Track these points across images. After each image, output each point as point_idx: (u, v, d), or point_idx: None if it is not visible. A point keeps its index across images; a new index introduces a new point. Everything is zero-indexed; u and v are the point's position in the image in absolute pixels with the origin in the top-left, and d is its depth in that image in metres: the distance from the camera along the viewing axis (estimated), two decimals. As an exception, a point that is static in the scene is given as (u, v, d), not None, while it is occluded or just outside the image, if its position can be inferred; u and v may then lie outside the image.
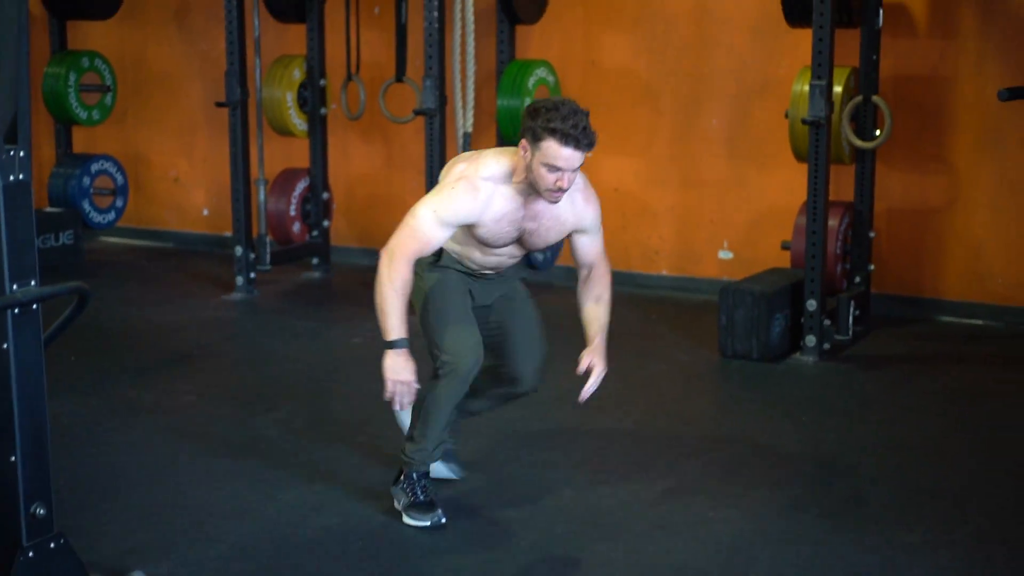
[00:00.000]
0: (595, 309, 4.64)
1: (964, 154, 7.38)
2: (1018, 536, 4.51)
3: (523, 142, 4.18)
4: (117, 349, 6.96)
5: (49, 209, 9.06)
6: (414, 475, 4.60)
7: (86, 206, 9.17)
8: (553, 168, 4.11)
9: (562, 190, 4.17)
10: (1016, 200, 7.29)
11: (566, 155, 4.10)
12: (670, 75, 8.06)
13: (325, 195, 8.63)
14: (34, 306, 3.76)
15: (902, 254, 7.59)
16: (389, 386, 4.36)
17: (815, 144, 6.56)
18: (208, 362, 6.70)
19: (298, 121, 8.46)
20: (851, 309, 6.92)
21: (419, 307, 4.55)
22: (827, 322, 6.71)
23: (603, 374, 4.56)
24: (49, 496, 3.82)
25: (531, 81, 7.83)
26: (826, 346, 6.70)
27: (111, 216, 9.40)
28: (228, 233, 8.76)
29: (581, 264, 4.62)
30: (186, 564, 4.27)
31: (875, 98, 7.00)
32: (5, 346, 3.71)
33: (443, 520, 4.55)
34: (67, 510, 4.39)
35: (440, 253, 4.51)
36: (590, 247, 4.58)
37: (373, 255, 8.85)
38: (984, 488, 4.94)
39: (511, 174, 4.27)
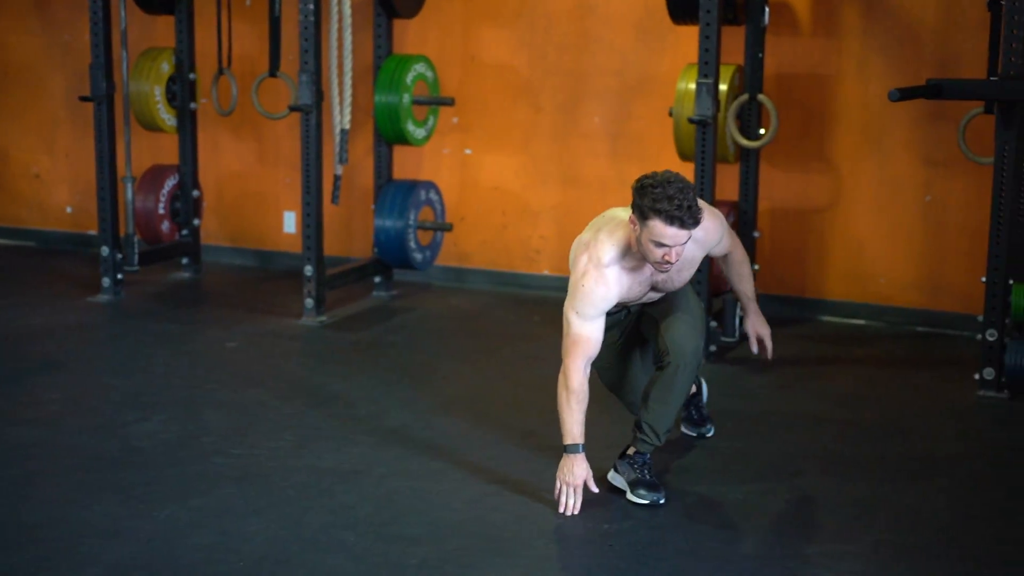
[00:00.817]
0: (740, 284, 5.14)
1: (847, 154, 7.35)
2: (919, 544, 4.43)
3: (632, 217, 4.41)
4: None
5: (-98, 207, 8.65)
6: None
7: (-59, 203, 8.77)
8: (660, 244, 4.33)
9: (670, 263, 4.38)
10: (897, 200, 7.28)
11: (671, 234, 4.31)
12: (551, 72, 7.92)
13: (195, 193, 8.33)
14: None
15: (785, 254, 7.55)
16: (558, 486, 4.61)
17: (702, 143, 6.45)
18: (73, 369, 6.39)
19: (167, 116, 8.15)
20: (737, 310, 6.84)
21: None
22: (713, 323, 6.62)
23: (770, 334, 5.22)
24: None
25: (409, 76, 7.63)
26: (712, 348, 6.61)
27: (-32, 214, 9.01)
28: (93, 232, 8.45)
29: (718, 256, 5.05)
30: (56, 590, 4.02)
31: (760, 97, 6.93)
32: None
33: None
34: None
35: None
36: (722, 250, 4.96)
37: (245, 254, 8.75)
38: (884, 495, 4.86)
39: (628, 247, 4.51)
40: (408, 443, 5.32)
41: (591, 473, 4.62)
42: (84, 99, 7.61)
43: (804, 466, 5.16)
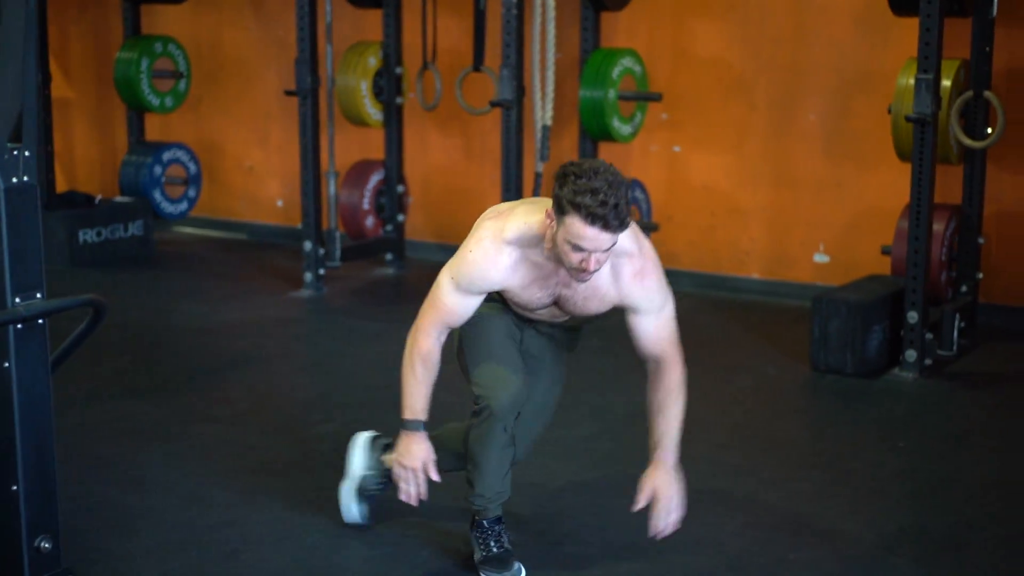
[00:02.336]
0: (659, 420, 3.90)
1: (1083, 155, 6.83)
2: None
3: (549, 210, 3.64)
4: (175, 350, 6.65)
5: (119, 198, 8.81)
6: (484, 523, 4.06)
7: (157, 196, 8.91)
8: (577, 248, 3.55)
9: (586, 272, 3.60)
10: None
11: (590, 235, 3.51)
12: (765, 67, 7.57)
13: (400, 188, 8.27)
14: (39, 321, 3.42)
15: (1014, 261, 7.04)
16: (395, 469, 4.01)
17: (920, 142, 6.05)
18: (266, 365, 6.35)
19: (373, 111, 8.11)
20: (956, 321, 6.40)
21: (456, 339, 4.08)
22: (929, 335, 6.20)
23: (676, 505, 3.87)
24: (56, 527, 3.52)
25: (616, 71, 7.39)
26: (928, 362, 6.19)
27: (183, 206, 9.13)
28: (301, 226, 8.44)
29: (641, 353, 3.91)
30: (212, 600, 3.93)
31: (987, 93, 6.47)
32: (7, 364, 3.38)
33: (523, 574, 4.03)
34: (82, 541, 4.10)
35: None
36: (645, 332, 3.85)
37: (450, 251, 8.51)
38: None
39: (542, 237, 3.71)
40: (593, 455, 5.10)
41: (433, 456, 3.97)
42: (289, 93, 7.60)
43: (1014, 498, 4.75)
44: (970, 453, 5.23)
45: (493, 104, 7.03)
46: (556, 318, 3.99)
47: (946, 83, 6.40)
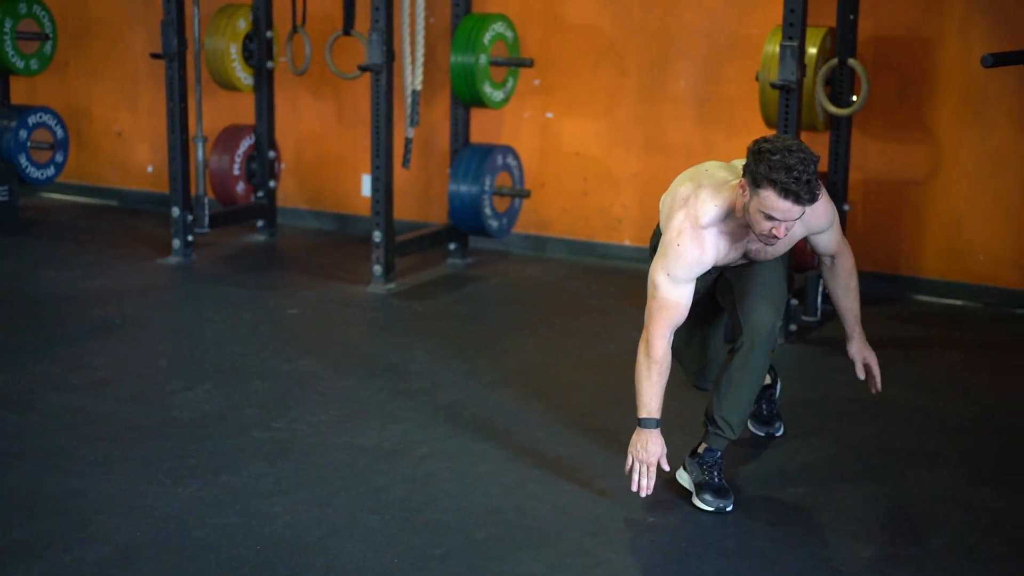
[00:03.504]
0: (845, 300, 4.59)
1: (946, 123, 6.91)
2: (988, 553, 4.07)
3: (743, 181, 4.03)
4: (36, 317, 6.50)
5: (-18, 163, 8.58)
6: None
7: (23, 161, 8.67)
8: (770, 217, 3.97)
9: (776, 238, 4.03)
10: (999, 172, 6.84)
11: (784, 208, 3.94)
12: (636, 32, 7.57)
13: (271, 154, 8.15)
14: None
15: (878, 229, 7.13)
16: (629, 462, 4.30)
17: (785, 110, 6.08)
18: (128, 333, 6.23)
19: (243, 75, 7.97)
20: (820, 287, 6.47)
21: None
22: (794, 302, 6.25)
23: (877, 360, 4.65)
24: None
25: (487, 36, 7.33)
26: (792, 328, 6.25)
27: (50, 171, 8.90)
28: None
29: (821, 254, 4.54)
30: (59, 568, 3.83)
31: (851, 61, 6.53)
32: None
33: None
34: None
35: None
36: (827, 242, 4.46)
37: (322, 217, 8.56)
38: (957, 497, 4.49)
39: (731, 210, 4.14)
40: (456, 421, 5.07)
41: (665, 450, 4.28)
42: (156, 56, 7.45)
43: (876, 461, 4.80)
44: (833, 417, 5.27)
45: (362, 68, 6.94)
46: (747, 261, 4.37)
47: (812, 51, 6.45)
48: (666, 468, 4.29)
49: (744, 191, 4.03)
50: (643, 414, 4.25)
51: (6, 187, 8.45)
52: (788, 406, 5.21)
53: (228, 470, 4.55)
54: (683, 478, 4.47)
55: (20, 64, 8.59)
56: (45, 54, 8.73)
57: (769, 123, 6.53)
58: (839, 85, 6.63)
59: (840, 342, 5.86)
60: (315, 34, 7.96)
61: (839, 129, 6.73)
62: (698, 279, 4.30)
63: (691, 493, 4.39)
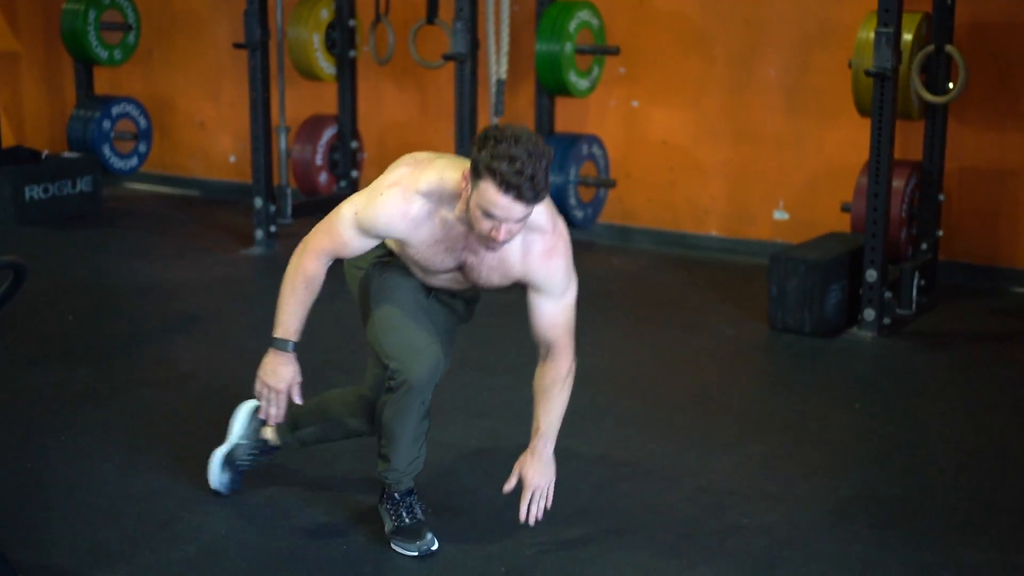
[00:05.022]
0: (541, 407, 3.80)
1: (1045, 111, 6.72)
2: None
3: (466, 171, 3.48)
4: (119, 310, 6.48)
5: (67, 154, 8.61)
6: (396, 495, 3.93)
7: (107, 151, 8.71)
8: (488, 215, 3.42)
9: (496, 241, 3.46)
10: (1102, 162, 6.64)
11: (503, 204, 3.38)
12: (725, 20, 7.43)
13: (354, 144, 8.10)
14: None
15: (974, 219, 6.94)
16: (257, 386, 3.87)
17: (880, 98, 5.92)
18: (212, 327, 6.20)
19: (325, 64, 7.93)
20: (915, 280, 6.31)
21: (361, 308, 3.95)
22: (888, 294, 6.09)
23: (544, 490, 3.81)
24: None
25: (573, 24, 7.23)
26: (886, 321, 6.09)
27: (133, 162, 8.93)
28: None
29: (535, 337, 3.76)
30: (144, 569, 3.78)
31: (948, 48, 6.35)
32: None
33: (433, 547, 3.89)
34: (6, 511, 3.97)
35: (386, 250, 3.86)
36: (542, 314, 3.70)
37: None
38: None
39: (456, 197, 3.56)
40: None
41: (300, 379, 3.82)
42: (238, 46, 7.43)
43: (980, 462, 4.64)
44: (926, 415, 5.13)
45: (446, 58, 6.87)
46: (457, 286, 3.82)
47: (907, 37, 6.27)
48: (297, 400, 3.83)
49: (467, 183, 3.46)
50: (279, 333, 3.79)
51: (90, 177, 8.48)
52: (884, 402, 5.07)
53: (313, 467, 4.48)
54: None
55: (104, 55, 8.62)
56: (129, 44, 8.75)
57: (863, 111, 6.36)
58: (935, 72, 6.45)
59: (936, 335, 5.73)
60: (398, 23, 7.89)
61: (935, 118, 6.56)
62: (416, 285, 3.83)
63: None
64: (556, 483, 3.97)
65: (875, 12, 6.14)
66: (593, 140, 7.53)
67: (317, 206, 7.98)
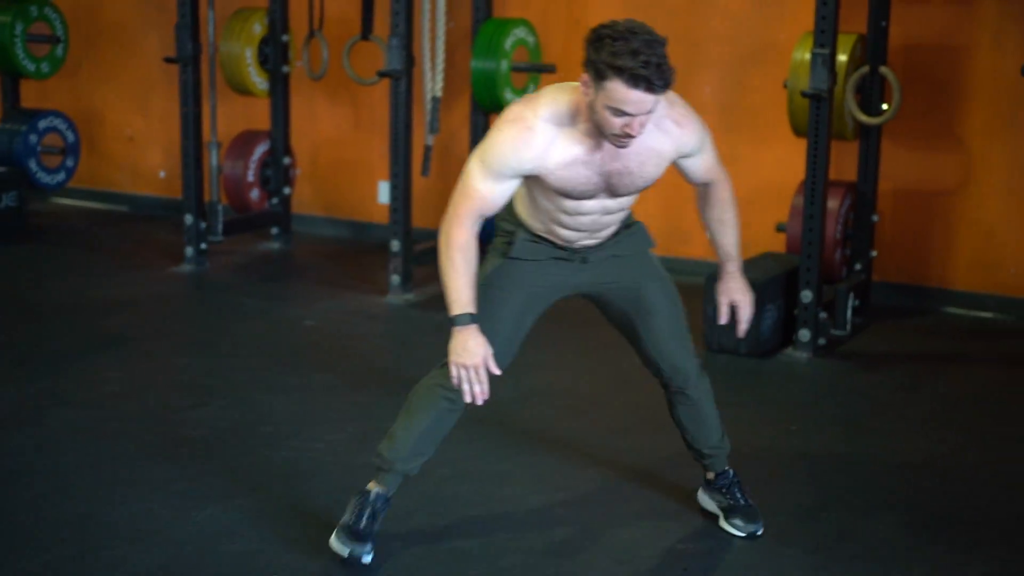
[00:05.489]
0: (719, 234, 3.99)
1: (978, 132, 6.74)
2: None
3: (584, 77, 3.43)
4: (43, 329, 6.34)
5: (-8, 168, 8.44)
6: (372, 493, 3.94)
7: (33, 165, 8.53)
8: (620, 112, 3.39)
9: (631, 137, 3.44)
10: (1033, 183, 6.68)
11: (635, 98, 3.35)
12: (660, 38, 7.39)
13: (286, 160, 8.00)
14: None
15: (907, 239, 6.97)
16: (452, 371, 3.69)
17: (815, 118, 5.92)
18: (140, 345, 6.08)
19: (258, 79, 7.83)
20: (850, 300, 6.31)
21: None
22: (823, 315, 6.09)
23: (751, 303, 4.01)
24: None
25: (508, 42, 7.18)
26: (821, 341, 6.09)
27: (61, 176, 8.76)
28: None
29: (694, 183, 3.98)
30: (69, 601, 3.69)
31: (883, 69, 6.37)
32: None
33: (365, 560, 3.86)
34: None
35: (514, 230, 3.84)
36: (700, 167, 3.88)
37: (338, 225, 8.41)
38: (1002, 515, 4.33)
39: (576, 114, 3.54)
40: (478, 441, 4.90)
41: (491, 348, 3.68)
42: (169, 60, 7.32)
43: (912, 486, 4.63)
44: (862, 436, 5.12)
45: (381, 74, 6.79)
46: (608, 214, 3.77)
47: (842, 58, 6.29)
48: (495, 370, 3.68)
49: (588, 88, 3.43)
50: (456, 310, 3.64)
51: (15, 192, 8.31)
52: (820, 423, 5.05)
53: (244, 492, 4.39)
54: (706, 502, 4.29)
55: (31, 67, 8.45)
56: (56, 57, 8.59)
57: (798, 131, 6.37)
58: (869, 93, 6.47)
59: (871, 356, 5.73)
60: (332, 38, 7.81)
61: (868, 138, 6.58)
62: (547, 285, 3.89)
63: (718, 516, 4.22)
64: (492, 506, 3.92)
65: (810, 33, 6.15)
66: (528, 158, 7.48)
67: (249, 223, 7.90)
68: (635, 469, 4.65)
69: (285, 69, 7.85)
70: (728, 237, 3.98)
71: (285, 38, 7.81)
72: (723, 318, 4.03)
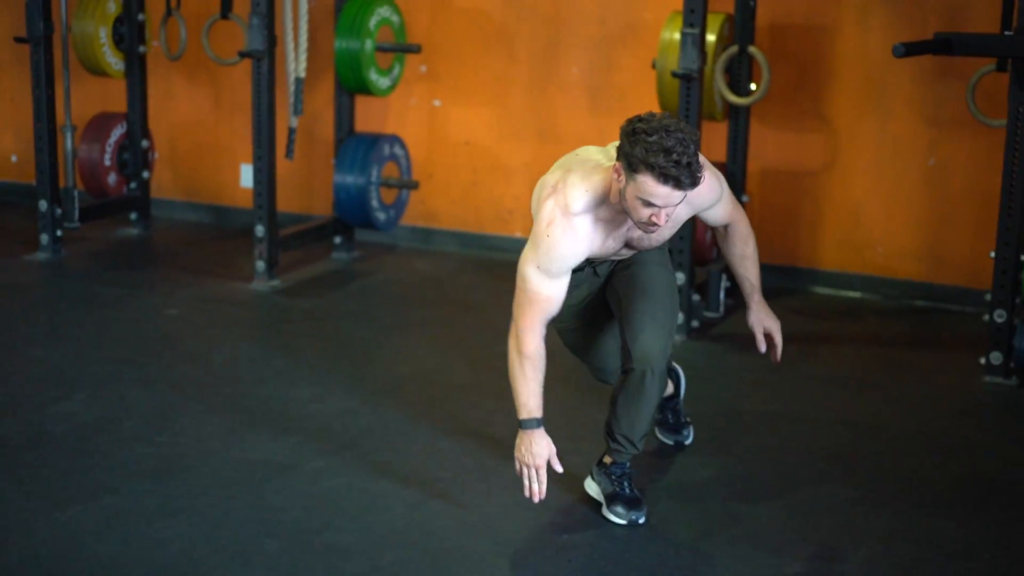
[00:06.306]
0: (741, 268, 4.28)
1: (844, 112, 6.78)
2: (915, 558, 3.92)
3: (617, 165, 3.65)
4: None
5: None
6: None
7: None
8: (648, 204, 3.61)
9: (657, 226, 3.68)
10: (898, 163, 6.72)
11: (664, 193, 3.58)
12: (527, 17, 7.33)
13: (145, 143, 7.76)
14: None
15: (776, 220, 6.98)
16: (518, 468, 3.99)
17: (686, 99, 5.88)
18: (-5, 338, 5.86)
19: (114, 60, 7.56)
20: (722, 282, 6.30)
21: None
22: (696, 297, 6.07)
23: (780, 329, 4.30)
24: None
25: (373, 21, 7.04)
26: (695, 324, 6.07)
27: (-94, 161, 8.42)
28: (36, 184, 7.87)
29: (713, 226, 4.25)
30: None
31: (752, 49, 6.37)
32: None
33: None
34: None
35: None
36: (718, 215, 4.14)
37: (199, 209, 8.20)
38: (879, 502, 4.33)
39: (605, 196, 3.77)
40: (350, 432, 4.79)
41: (555, 450, 3.93)
42: (20, 40, 7.02)
43: (790, 468, 4.62)
44: (740, 417, 5.10)
45: (242, 55, 6.60)
46: (626, 254, 4.07)
47: (711, 38, 6.26)
48: (558, 469, 3.96)
49: (620, 176, 3.65)
50: (523, 415, 3.92)
51: None
52: (694, 409, 5.01)
53: (109, 490, 4.22)
54: (591, 488, 4.24)
55: None
56: (-101, 37, 8.24)
57: (667, 111, 6.32)
58: (737, 73, 6.46)
59: (743, 337, 5.72)
60: (190, 17, 7.58)
61: (737, 119, 6.58)
62: (584, 282, 4.11)
63: (601, 504, 4.17)
64: (368, 505, 3.82)
65: (678, 12, 6.12)
66: (395, 140, 7.36)
67: (106, 208, 7.65)
68: (510, 456, 4.56)
69: (142, 49, 7.60)
70: (751, 270, 4.27)
71: (141, 17, 7.56)
72: (761, 346, 4.28)
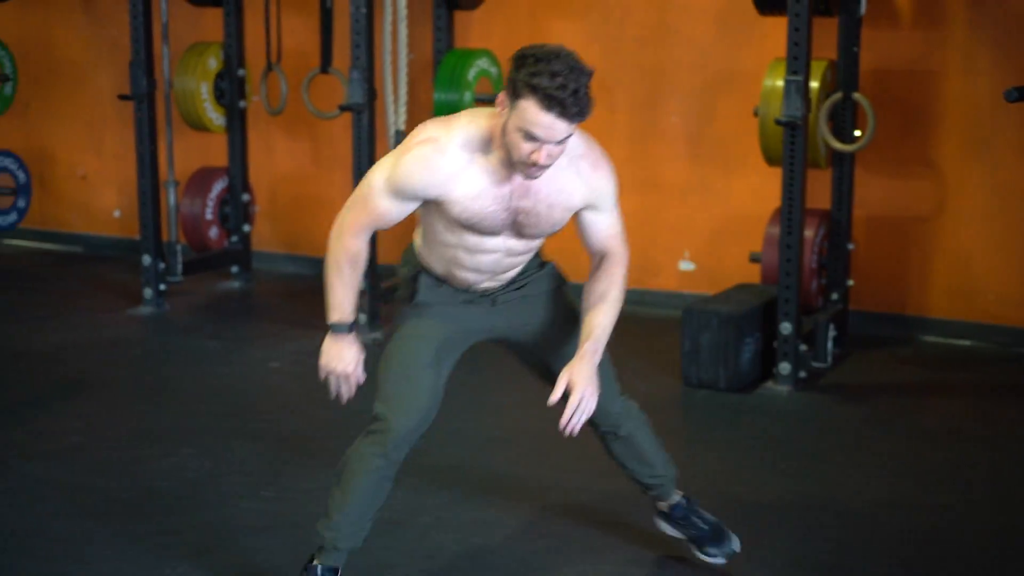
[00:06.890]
0: (594, 310, 3.58)
1: (951, 158, 6.66)
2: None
3: (501, 95, 3.31)
4: (-1, 376, 6.14)
5: (-60, 211, 8.21)
6: (318, 569, 3.70)
7: (-17, 207, 8.31)
8: (529, 136, 3.24)
9: (538, 166, 3.28)
10: (1008, 209, 6.59)
11: (546, 122, 3.21)
12: (626, 68, 7.29)
13: (245, 196, 7.82)
14: None
15: (883, 268, 6.86)
16: (322, 374, 3.73)
17: (790, 146, 5.81)
18: (100, 392, 5.87)
19: (215, 115, 7.65)
20: (829, 331, 6.19)
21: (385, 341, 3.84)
22: (803, 347, 5.96)
23: (590, 396, 3.49)
24: None
25: (471, 73, 7.05)
26: (802, 374, 5.96)
27: (12, 218, 8.51)
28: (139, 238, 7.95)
29: (591, 250, 3.66)
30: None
31: (856, 95, 6.28)
32: None
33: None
34: None
35: (416, 275, 3.68)
36: (601, 228, 3.61)
37: (299, 262, 8.22)
38: (999, 554, 4.20)
39: (491, 141, 3.38)
40: (456, 485, 4.74)
41: (363, 356, 3.69)
42: (124, 97, 7.13)
43: (903, 516, 4.50)
44: (848, 473, 4.98)
45: (343, 108, 6.63)
46: (511, 255, 3.61)
47: (814, 85, 6.18)
48: (361, 379, 3.71)
49: (503, 108, 3.30)
50: (336, 317, 3.62)
51: (-34, 235, 8.09)
52: (804, 459, 4.90)
53: (219, 547, 4.20)
54: (667, 529, 4.14)
55: (-21, 107, 8.23)
56: (5, 95, 8.37)
57: (771, 160, 6.26)
58: (841, 120, 6.37)
59: (854, 387, 5.60)
60: (290, 72, 7.64)
61: (842, 166, 6.48)
62: (466, 318, 3.69)
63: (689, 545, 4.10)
64: (477, 556, 3.75)
65: (780, 59, 6.05)
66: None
67: (208, 262, 7.71)
68: (616, 511, 4.49)
69: (242, 104, 7.68)
70: (602, 317, 3.57)
71: (241, 72, 7.64)
72: (554, 397, 3.51)
